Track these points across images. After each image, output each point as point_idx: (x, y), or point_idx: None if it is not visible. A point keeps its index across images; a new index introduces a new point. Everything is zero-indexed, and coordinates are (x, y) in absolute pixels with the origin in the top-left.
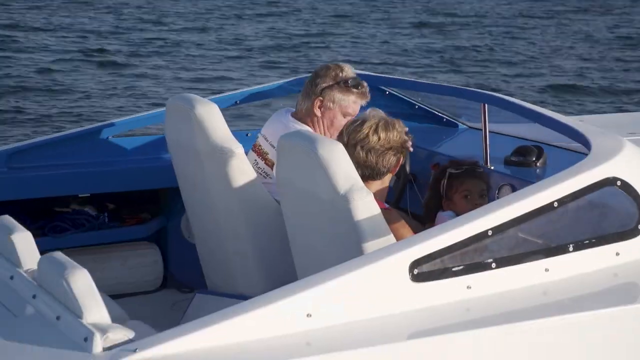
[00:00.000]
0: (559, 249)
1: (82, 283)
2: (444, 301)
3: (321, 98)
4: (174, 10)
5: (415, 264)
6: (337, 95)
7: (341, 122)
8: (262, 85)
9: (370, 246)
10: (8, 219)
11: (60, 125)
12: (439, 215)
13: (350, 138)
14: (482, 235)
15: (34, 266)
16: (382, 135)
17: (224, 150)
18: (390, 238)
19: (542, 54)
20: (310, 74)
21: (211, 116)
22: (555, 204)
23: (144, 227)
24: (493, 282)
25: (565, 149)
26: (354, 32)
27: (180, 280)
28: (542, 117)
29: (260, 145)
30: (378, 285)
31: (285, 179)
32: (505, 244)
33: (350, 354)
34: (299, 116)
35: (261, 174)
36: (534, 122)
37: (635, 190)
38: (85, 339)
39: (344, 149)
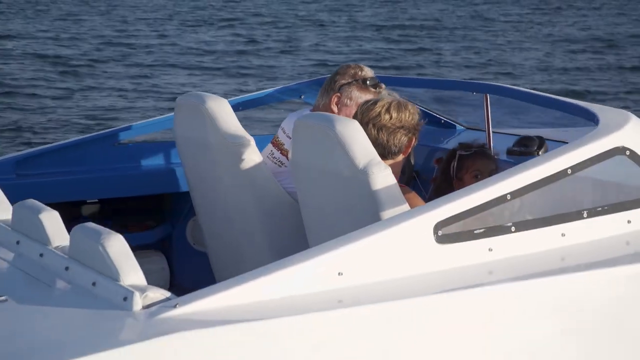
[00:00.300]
0: (574, 215)
1: (118, 246)
2: (467, 263)
3: (339, 94)
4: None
5: (439, 225)
6: (355, 92)
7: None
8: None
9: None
10: (32, 201)
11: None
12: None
13: (363, 116)
14: (502, 199)
15: (63, 243)
16: (394, 114)
17: (236, 143)
18: (406, 210)
19: (502, 55)
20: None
21: (222, 110)
22: (569, 171)
23: (149, 234)
24: (513, 245)
25: (564, 142)
26: (316, 35)
27: (186, 288)
28: (547, 100)
29: (277, 137)
30: (404, 245)
31: (301, 160)
32: (524, 209)
33: (378, 309)
34: (316, 111)
35: (276, 163)
36: (541, 105)
37: (634, 153)
38: (125, 299)
39: (360, 126)
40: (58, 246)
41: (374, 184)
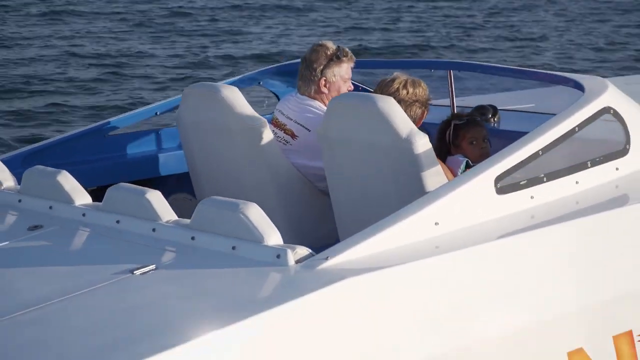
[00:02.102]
0: (582, 166)
1: (257, 213)
2: (519, 209)
3: (325, 78)
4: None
5: (498, 179)
6: (335, 69)
7: (343, 88)
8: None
9: (429, 180)
10: (128, 184)
11: None
12: (449, 159)
13: (383, 92)
14: (536, 155)
15: (173, 217)
16: (410, 89)
17: (254, 125)
18: (441, 171)
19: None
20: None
21: (237, 97)
22: (576, 129)
23: None
24: (546, 192)
25: (511, 110)
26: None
27: None
28: (526, 72)
29: (277, 119)
30: (477, 197)
31: (337, 135)
32: (550, 162)
33: (469, 252)
34: (309, 95)
35: (281, 142)
36: (523, 78)
37: (622, 117)
38: (278, 256)
39: (395, 101)
40: (169, 220)
41: (417, 150)
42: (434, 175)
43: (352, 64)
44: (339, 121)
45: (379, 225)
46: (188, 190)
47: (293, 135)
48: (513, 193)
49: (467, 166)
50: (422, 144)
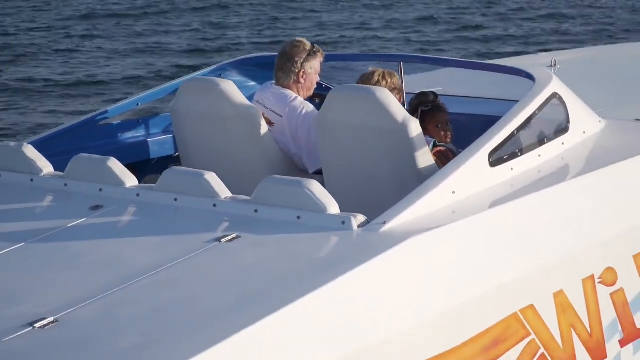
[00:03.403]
0: (541, 142)
1: (319, 187)
2: (504, 179)
3: (303, 70)
4: None
5: (490, 155)
6: (311, 62)
7: (315, 79)
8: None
9: (420, 158)
10: (183, 168)
11: None
12: None
13: (366, 83)
14: (512, 135)
15: (229, 194)
16: (388, 79)
17: (250, 113)
18: (428, 151)
19: None
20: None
21: (233, 89)
22: (537, 112)
23: None
24: (521, 164)
25: (453, 95)
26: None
27: None
28: (477, 64)
29: None
30: (478, 169)
31: (336, 119)
32: (523, 138)
33: (484, 215)
34: (283, 86)
35: None
36: (475, 69)
37: (564, 100)
38: (343, 222)
39: (389, 92)
40: (226, 197)
41: (412, 133)
42: (424, 154)
43: (321, 58)
44: (338, 108)
45: (414, 195)
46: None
47: (270, 123)
48: (500, 166)
49: (435, 145)
50: (415, 127)
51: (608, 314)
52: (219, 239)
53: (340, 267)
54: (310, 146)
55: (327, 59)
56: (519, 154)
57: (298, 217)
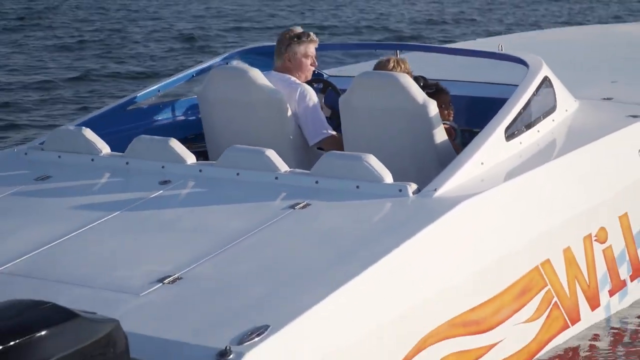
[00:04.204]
0: (538, 120)
1: (375, 161)
2: (516, 151)
3: (288, 54)
4: None
5: (505, 130)
6: (295, 48)
7: (306, 62)
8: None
9: (437, 135)
10: (241, 146)
11: None
12: None
13: (383, 69)
14: (520, 113)
15: (287, 168)
16: (402, 66)
17: (276, 98)
18: (443, 128)
19: None
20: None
21: (260, 76)
22: (535, 93)
23: None
24: (526, 139)
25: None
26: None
27: None
28: (472, 52)
29: None
30: (496, 143)
31: (358, 104)
32: (529, 115)
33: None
34: (280, 70)
35: None
36: (470, 56)
37: (552, 82)
38: (400, 190)
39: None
40: (286, 170)
41: (431, 113)
42: (440, 131)
43: (313, 45)
44: (363, 93)
45: (453, 166)
46: None
47: None
48: (512, 140)
49: None
50: (434, 107)
51: (601, 267)
52: (292, 206)
53: (409, 228)
54: (308, 122)
55: (323, 48)
56: (525, 129)
57: (357, 187)
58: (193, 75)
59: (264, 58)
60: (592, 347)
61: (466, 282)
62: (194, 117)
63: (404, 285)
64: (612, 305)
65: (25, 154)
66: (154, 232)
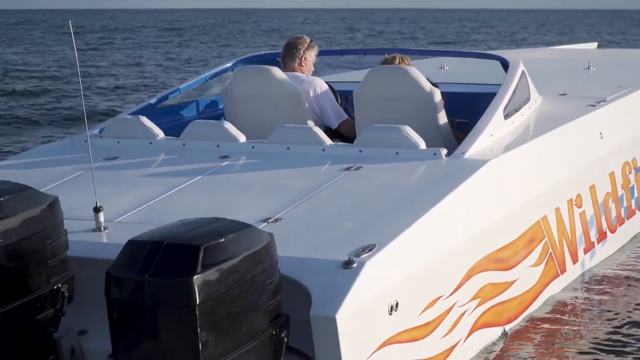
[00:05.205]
0: (520, 105)
1: (410, 129)
2: (510, 129)
3: (304, 57)
4: None
5: (503, 110)
6: (309, 52)
7: (311, 66)
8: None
9: (441, 119)
10: (289, 125)
11: None
12: None
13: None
14: (510, 98)
15: (331, 142)
16: (406, 61)
17: (295, 92)
18: (444, 113)
19: None
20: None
21: (280, 73)
22: (518, 83)
23: None
24: (515, 120)
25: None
26: None
27: None
28: (457, 52)
29: None
30: (499, 120)
31: (370, 94)
32: (515, 101)
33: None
34: (290, 70)
35: None
36: (455, 56)
37: (527, 77)
38: (435, 154)
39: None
40: (331, 143)
41: (436, 99)
42: (443, 115)
43: (317, 52)
44: (375, 84)
45: (471, 136)
46: None
47: None
48: (509, 119)
49: None
50: (438, 95)
51: (578, 228)
52: (347, 169)
53: (450, 181)
54: (328, 108)
55: (321, 53)
56: (514, 112)
57: (397, 153)
58: (207, 79)
59: (264, 64)
60: (575, 297)
61: (494, 226)
62: (211, 113)
63: (454, 225)
64: (586, 262)
65: (85, 141)
66: (237, 190)
